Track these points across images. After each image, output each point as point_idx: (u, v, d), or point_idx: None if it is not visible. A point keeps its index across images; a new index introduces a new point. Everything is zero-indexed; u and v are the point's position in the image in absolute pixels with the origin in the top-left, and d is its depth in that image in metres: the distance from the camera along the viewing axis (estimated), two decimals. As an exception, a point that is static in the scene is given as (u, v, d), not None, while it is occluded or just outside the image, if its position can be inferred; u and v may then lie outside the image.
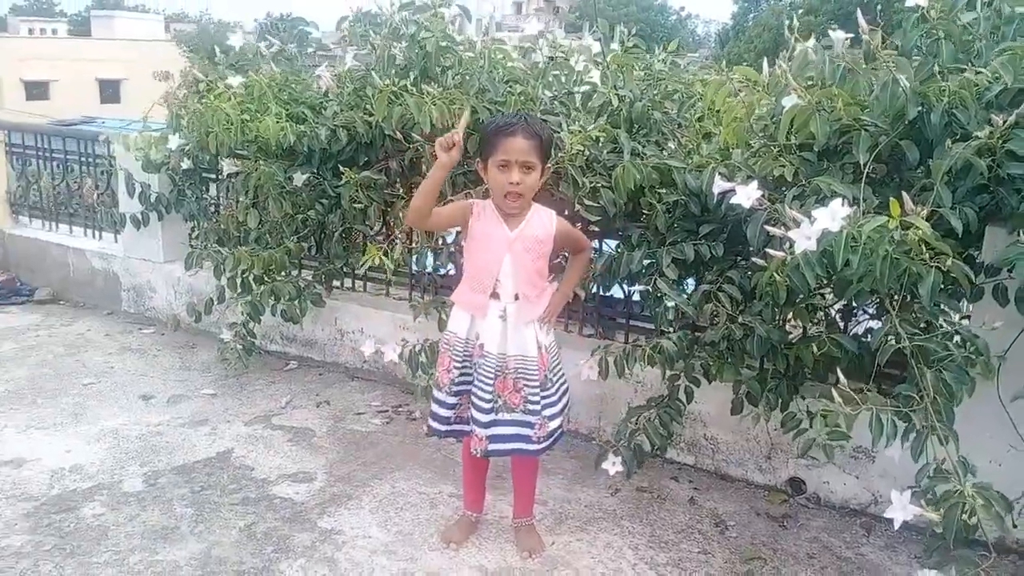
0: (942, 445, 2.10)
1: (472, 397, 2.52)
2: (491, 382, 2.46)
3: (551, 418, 2.52)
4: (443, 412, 2.58)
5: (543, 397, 2.50)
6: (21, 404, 3.67)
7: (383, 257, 3.35)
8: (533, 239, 2.44)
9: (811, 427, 2.58)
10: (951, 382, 2.11)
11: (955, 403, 2.14)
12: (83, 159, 5.33)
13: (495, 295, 2.45)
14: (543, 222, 2.47)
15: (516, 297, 2.45)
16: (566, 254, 2.82)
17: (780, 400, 2.72)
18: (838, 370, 2.21)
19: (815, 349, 2.57)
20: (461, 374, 2.55)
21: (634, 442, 2.88)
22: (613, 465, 2.74)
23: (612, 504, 2.94)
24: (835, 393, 2.14)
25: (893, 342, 2.15)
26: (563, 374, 2.62)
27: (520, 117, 2.41)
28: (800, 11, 34.31)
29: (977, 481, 2.02)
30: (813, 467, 2.91)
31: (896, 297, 2.18)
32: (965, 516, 1.96)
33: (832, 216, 1.99)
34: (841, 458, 2.82)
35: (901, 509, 1.99)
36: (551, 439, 2.55)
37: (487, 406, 2.47)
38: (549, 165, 2.50)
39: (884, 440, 2.09)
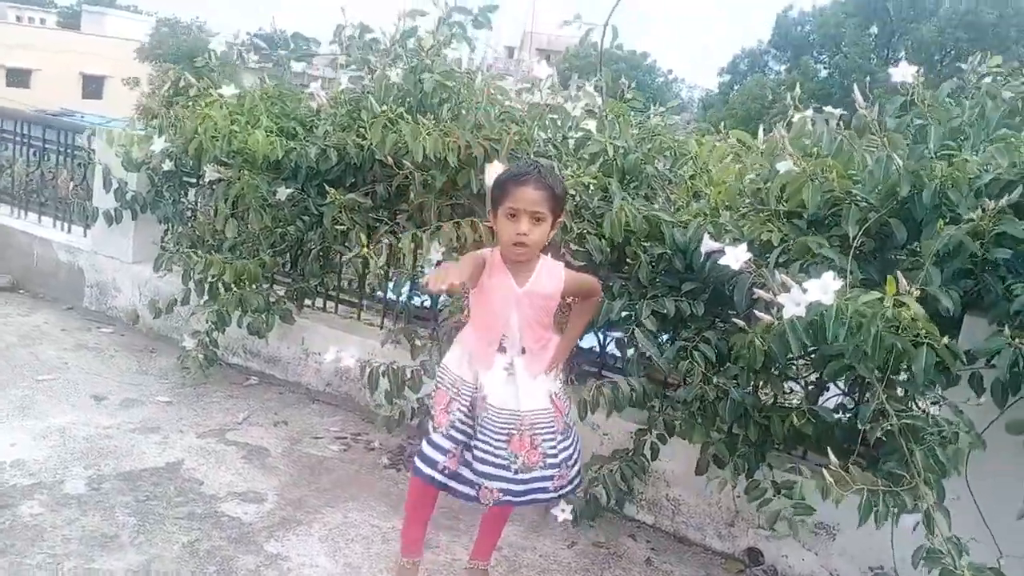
0: (929, 527, 2.10)
1: (477, 452, 2.34)
2: (504, 441, 2.32)
3: (572, 465, 2.42)
4: (436, 456, 2.38)
5: (562, 448, 2.38)
6: (-34, 392, 3.53)
7: (370, 253, 3.21)
8: (541, 295, 2.35)
9: (776, 497, 2.60)
10: (942, 459, 2.10)
11: (945, 477, 2.14)
12: (61, 149, 5.23)
13: (501, 349, 2.37)
14: (552, 277, 2.37)
15: (523, 351, 2.38)
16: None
17: (747, 466, 2.70)
18: (829, 448, 2.19)
19: (795, 420, 2.55)
20: (460, 418, 2.38)
21: (591, 491, 2.83)
22: (563, 512, 2.69)
23: (568, 557, 2.88)
24: (824, 472, 2.11)
25: (880, 421, 2.15)
26: (573, 422, 2.51)
27: (534, 167, 2.34)
28: (783, 87, 35.26)
29: (972, 562, 2.01)
30: (773, 539, 2.88)
31: (879, 375, 2.18)
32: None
33: (824, 289, 2.00)
34: (802, 534, 2.80)
35: None
36: (576, 482, 2.46)
37: (503, 462, 2.32)
38: (561, 219, 2.41)
39: (872, 520, 2.06)
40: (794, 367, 2.89)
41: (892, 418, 2.14)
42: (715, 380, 2.64)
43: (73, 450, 3.14)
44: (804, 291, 2.05)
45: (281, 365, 4.12)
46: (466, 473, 2.37)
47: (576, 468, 2.45)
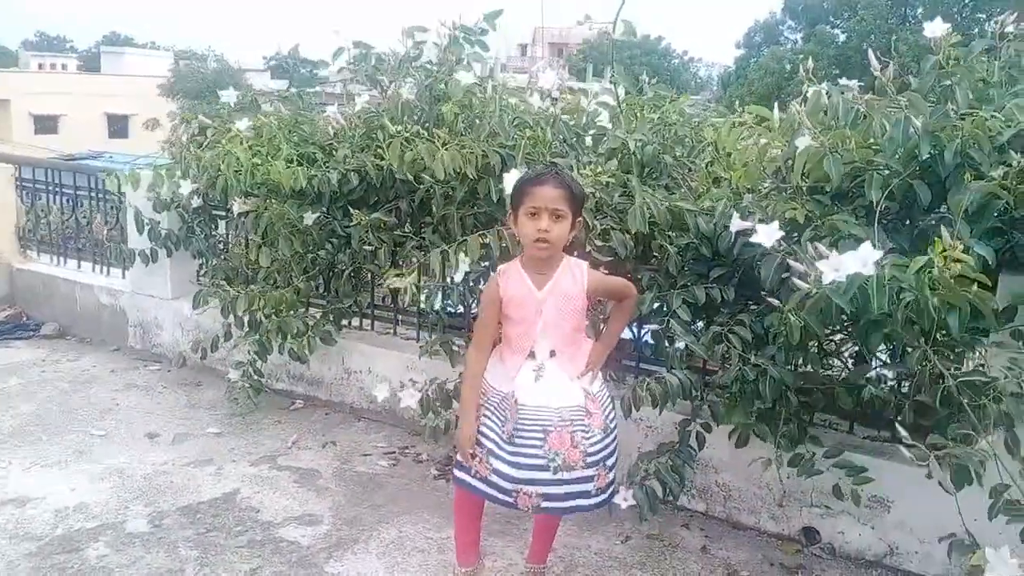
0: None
1: (513, 457, 2.33)
2: (540, 439, 2.31)
3: (611, 468, 2.40)
4: (470, 460, 2.41)
5: (603, 447, 2.36)
6: (26, 441, 3.64)
7: (399, 277, 3.28)
8: (563, 296, 2.36)
9: (828, 470, 2.59)
10: (1010, 411, 2.08)
11: (1014, 427, 2.13)
12: (93, 195, 5.36)
13: (531, 355, 2.39)
14: (574, 277, 2.37)
15: (552, 354, 2.39)
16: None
17: (789, 442, 2.69)
18: (896, 421, 2.19)
19: (837, 393, 2.54)
20: (488, 424, 2.40)
21: (646, 485, 2.84)
22: (625, 500, 2.66)
23: (623, 552, 2.90)
24: (902, 448, 2.11)
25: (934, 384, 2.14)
26: (615, 422, 2.49)
27: (551, 168, 2.39)
28: (801, 56, 34.77)
29: None
30: (827, 516, 2.87)
31: (924, 338, 2.17)
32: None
33: (863, 260, 1.98)
34: (856, 509, 2.78)
35: (1003, 566, 1.92)
36: (613, 487, 2.44)
37: (540, 463, 2.30)
38: (580, 220, 2.42)
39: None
40: (833, 342, 2.88)
41: (948, 379, 2.12)
42: (752, 361, 2.63)
43: (132, 489, 3.23)
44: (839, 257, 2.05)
45: (324, 386, 4.19)
46: (496, 480, 2.34)
47: (614, 472, 2.43)
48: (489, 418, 2.40)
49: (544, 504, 2.31)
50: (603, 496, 2.38)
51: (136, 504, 3.11)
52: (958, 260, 1.96)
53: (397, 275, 3.30)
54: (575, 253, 3.14)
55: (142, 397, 4.23)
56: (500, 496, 2.36)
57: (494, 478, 2.35)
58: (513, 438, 2.33)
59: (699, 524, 3.09)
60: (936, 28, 2.44)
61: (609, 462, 2.39)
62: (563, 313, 2.36)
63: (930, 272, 1.98)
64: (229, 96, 4.29)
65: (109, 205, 5.27)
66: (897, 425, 2.18)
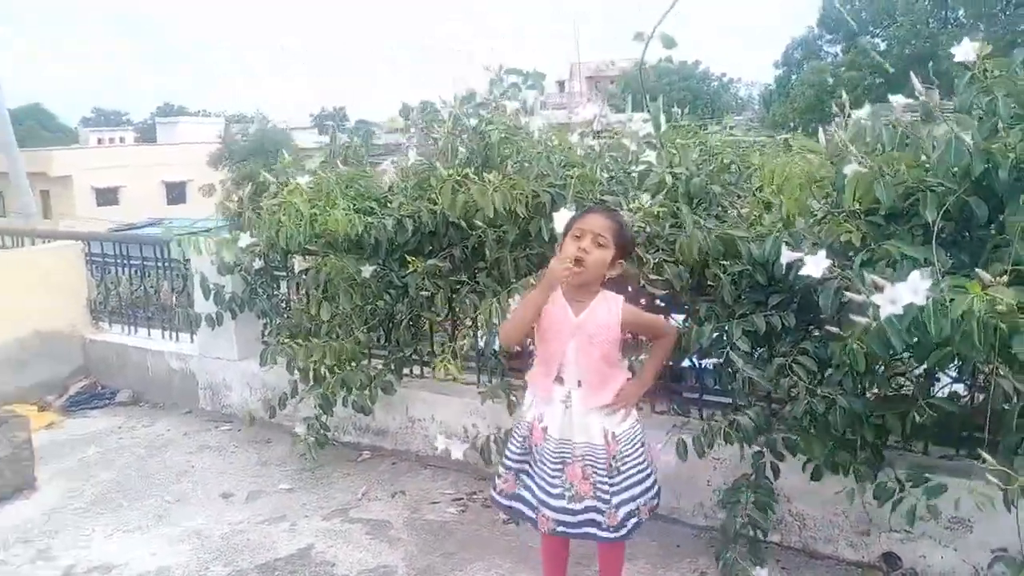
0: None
1: (537, 480, 2.51)
2: (559, 470, 2.46)
3: (619, 506, 2.46)
4: (496, 481, 2.64)
5: (611, 485, 2.45)
6: (107, 508, 3.75)
7: (449, 365, 3.43)
8: (597, 326, 2.46)
9: (906, 494, 2.53)
10: None
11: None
12: (159, 263, 5.56)
13: (559, 379, 2.48)
14: (609, 308, 2.48)
15: (579, 383, 2.46)
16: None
17: (869, 469, 2.64)
18: (981, 450, 2.13)
19: (915, 415, 2.50)
20: (513, 449, 2.59)
21: (745, 536, 2.80)
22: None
23: (700, 587, 2.86)
24: (987, 474, 2.08)
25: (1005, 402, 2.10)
26: (642, 462, 2.55)
27: (603, 205, 2.52)
28: (843, 68, 34.39)
29: None
30: (907, 540, 2.80)
31: (996, 359, 2.13)
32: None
33: (914, 289, 1.97)
34: (935, 530, 2.71)
35: None
36: (627, 528, 2.48)
37: (556, 492, 2.46)
38: (622, 263, 2.53)
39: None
40: (900, 363, 2.83)
41: (1021, 397, 2.08)
42: (819, 391, 2.59)
43: (211, 549, 3.30)
44: (895, 289, 2.03)
45: (390, 436, 4.24)
46: (527, 496, 2.51)
47: (625, 510, 2.47)
48: (516, 443, 2.58)
49: (559, 528, 2.46)
50: (620, 532, 2.46)
51: (215, 564, 3.18)
52: (1001, 298, 1.94)
53: (444, 358, 3.46)
54: (630, 289, 3.18)
55: (215, 458, 4.33)
56: (527, 512, 2.53)
57: (523, 492, 2.53)
58: (538, 462, 2.49)
59: (775, 556, 3.03)
60: (965, 51, 2.41)
61: (616, 500, 2.46)
62: (595, 342, 2.45)
63: (985, 295, 1.95)
64: (280, 156, 4.44)
65: (175, 272, 5.45)
66: (982, 453, 2.12)
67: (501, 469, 2.62)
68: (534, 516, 2.50)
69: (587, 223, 2.42)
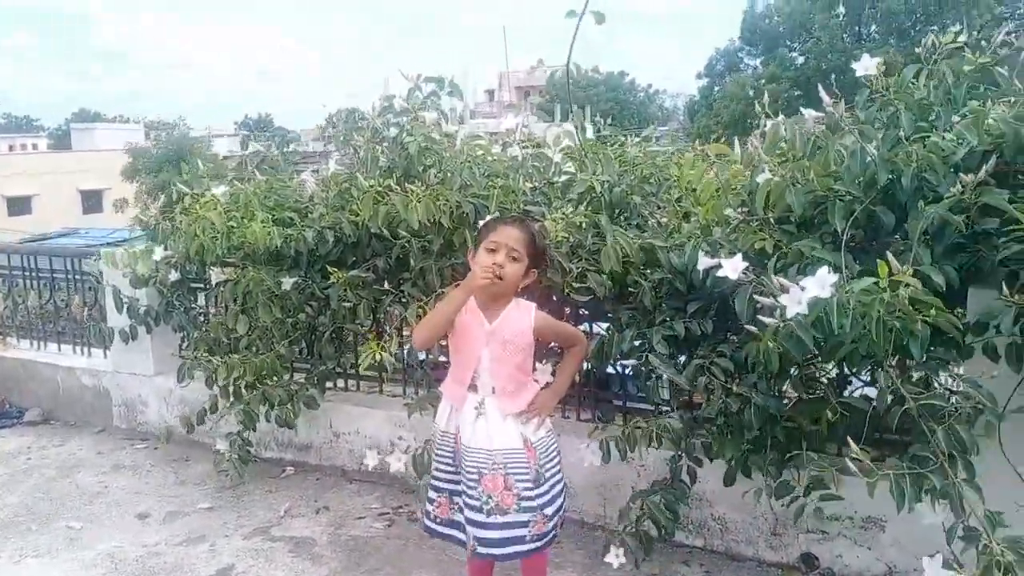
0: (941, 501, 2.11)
1: (463, 498, 2.46)
2: (477, 481, 2.41)
3: (550, 517, 2.45)
4: (427, 505, 2.60)
5: (538, 494, 2.43)
6: (15, 532, 3.58)
7: (382, 352, 3.35)
8: (510, 332, 2.48)
9: (805, 496, 2.60)
10: (963, 435, 2.12)
11: (971, 456, 2.14)
12: (70, 276, 5.34)
13: (473, 387, 2.48)
14: (521, 316, 2.50)
15: (493, 391, 2.47)
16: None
17: (776, 470, 2.71)
18: (848, 437, 2.20)
19: (828, 415, 2.57)
20: (441, 468, 2.54)
21: (640, 529, 2.83)
22: (617, 558, 2.70)
23: (625, 593, 2.88)
24: (848, 461, 2.13)
25: (896, 403, 2.17)
26: (559, 471, 2.55)
27: (519, 215, 2.53)
28: (763, 80, 35.43)
29: (1007, 535, 2.01)
30: (824, 540, 2.87)
31: (891, 359, 2.21)
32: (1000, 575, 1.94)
33: (821, 284, 2.03)
34: (852, 531, 2.79)
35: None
36: (550, 536, 2.47)
37: (475, 503, 2.41)
38: (535, 272, 2.56)
39: (907, 506, 2.08)
40: (812, 365, 2.91)
41: (908, 400, 2.16)
42: (736, 390, 2.65)
43: (126, 573, 3.18)
44: (802, 289, 2.09)
45: (314, 451, 4.16)
46: (458, 517, 2.48)
47: (555, 519, 2.48)
48: (443, 460, 2.53)
49: (480, 549, 2.40)
50: (539, 543, 2.43)
51: (130, 588, 3.06)
52: (907, 284, 2.01)
53: (380, 346, 3.34)
54: (554, 298, 3.20)
55: (130, 478, 4.18)
56: (459, 536, 2.50)
57: (456, 516, 2.49)
58: (462, 479, 2.46)
59: (699, 559, 3.08)
60: (865, 65, 2.52)
61: (548, 511, 2.44)
62: (508, 348, 2.46)
63: (882, 296, 2.02)
64: (194, 165, 4.32)
65: (87, 285, 5.25)
66: (849, 440, 2.19)
67: (432, 493, 2.55)
68: (465, 539, 2.45)
69: (501, 236, 2.43)
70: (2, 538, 3.52)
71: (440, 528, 2.54)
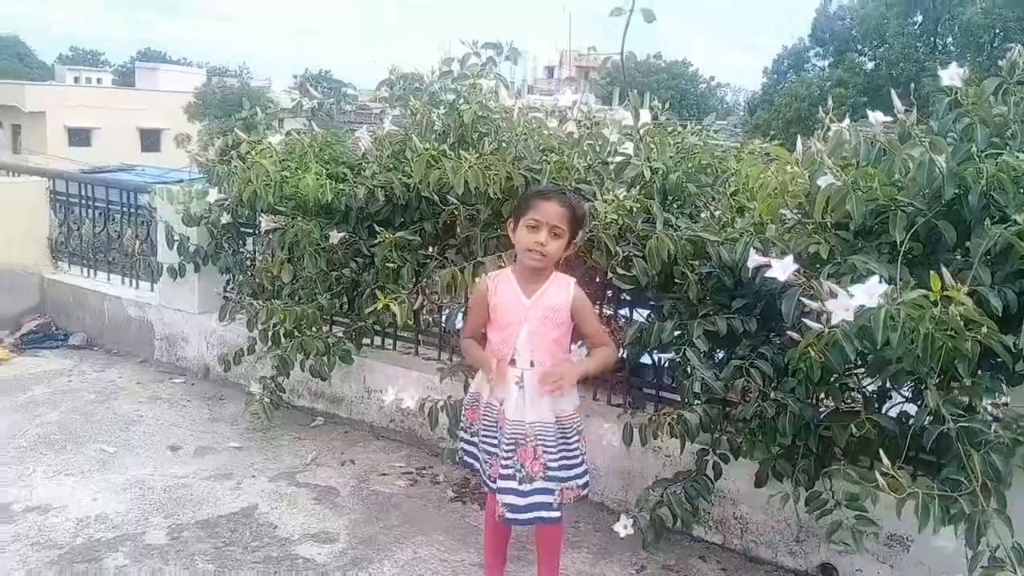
0: (982, 534, 2.07)
1: (499, 463, 2.51)
2: (513, 451, 2.47)
3: (574, 480, 2.55)
4: (467, 447, 2.67)
5: (561, 465, 2.51)
6: (51, 449, 3.70)
7: (393, 304, 3.34)
8: (550, 307, 2.49)
9: (838, 508, 2.57)
10: (999, 465, 2.07)
11: (1004, 487, 2.10)
12: (125, 208, 5.46)
13: (512, 361, 2.49)
14: (560, 290, 2.52)
15: (531, 364, 2.48)
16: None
17: (808, 479, 2.68)
18: (880, 452, 2.17)
19: (853, 429, 2.53)
20: (487, 435, 2.57)
21: (655, 514, 2.83)
22: (624, 528, 2.72)
23: (637, 579, 2.89)
24: (878, 476, 2.10)
25: (935, 424, 2.13)
26: (581, 450, 2.61)
27: (558, 187, 2.54)
28: (829, 83, 34.67)
29: None
30: (845, 553, 2.84)
31: (936, 378, 2.16)
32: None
33: (870, 293, 2.00)
34: (875, 546, 2.76)
35: None
36: (561, 509, 2.54)
37: (508, 473, 2.47)
38: (576, 241, 2.57)
39: (932, 527, 2.05)
40: (855, 376, 2.86)
41: (948, 421, 2.11)
42: (773, 395, 2.63)
43: (153, 501, 3.27)
44: (851, 296, 2.06)
45: (345, 404, 4.22)
46: (489, 470, 2.55)
47: (583, 481, 2.58)
48: (488, 428, 2.57)
49: (508, 515, 2.46)
50: (557, 512, 2.51)
51: (156, 516, 3.15)
52: (961, 302, 1.96)
53: (394, 298, 3.34)
54: (597, 280, 3.19)
55: (166, 410, 4.28)
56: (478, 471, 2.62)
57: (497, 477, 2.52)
58: (500, 444, 2.51)
59: (716, 556, 3.07)
60: (951, 75, 2.45)
61: (571, 481, 2.54)
62: (547, 323, 2.48)
63: (933, 311, 1.98)
64: (282, 96, 4.37)
65: (140, 219, 5.36)
66: (883, 455, 2.16)
67: (483, 456, 2.60)
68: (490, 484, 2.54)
69: (542, 214, 2.42)
70: (38, 453, 3.64)
71: (468, 459, 2.67)
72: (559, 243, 2.44)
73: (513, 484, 2.45)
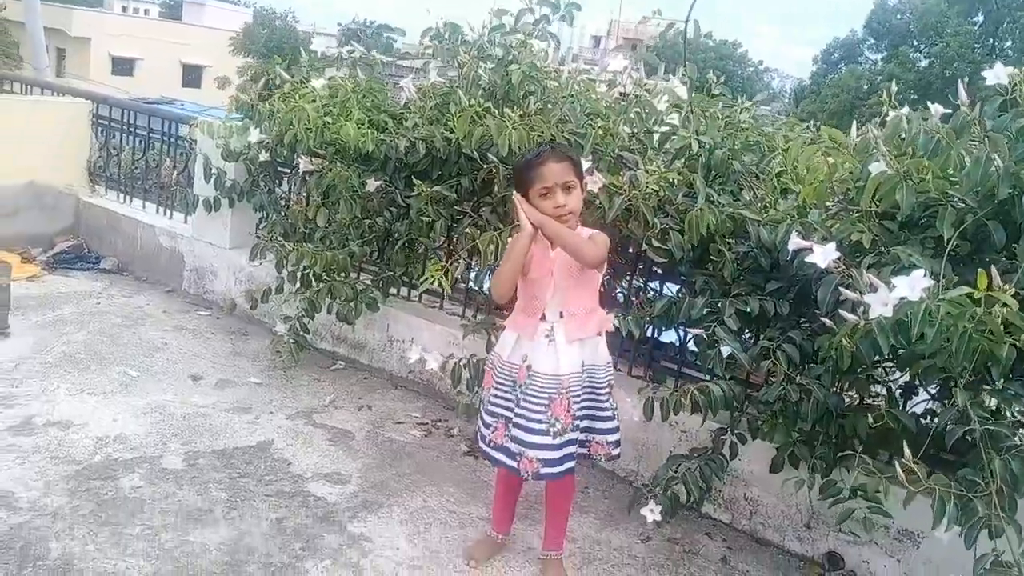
0: (994, 537, 2.05)
1: (518, 420, 2.48)
2: (547, 406, 2.44)
3: (604, 436, 2.59)
4: (483, 429, 2.61)
5: (587, 414, 2.55)
6: (76, 367, 3.76)
7: (443, 279, 3.34)
8: None
9: (851, 498, 2.55)
10: (1017, 472, 2.05)
11: (1020, 494, 2.08)
12: (165, 139, 5.48)
13: (542, 316, 2.49)
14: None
15: (561, 315, 2.48)
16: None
17: (825, 467, 2.66)
18: (904, 444, 2.15)
19: (871, 420, 2.51)
20: (500, 395, 2.56)
21: (671, 490, 2.83)
22: (651, 512, 2.70)
23: (642, 552, 2.90)
24: (897, 468, 2.08)
25: (960, 424, 2.10)
26: (613, 405, 2.63)
27: (543, 146, 2.58)
28: (880, 77, 33.96)
29: None
30: (854, 544, 2.83)
31: (966, 378, 2.13)
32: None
33: (912, 286, 1.96)
34: (884, 540, 2.74)
35: None
36: (611, 453, 2.62)
37: (542, 427, 2.44)
38: (585, 181, 2.58)
39: (945, 523, 2.03)
40: (881, 369, 2.83)
41: (975, 423, 2.08)
42: (798, 380, 2.60)
43: (171, 426, 3.32)
44: (892, 288, 2.02)
45: (367, 351, 4.24)
46: (510, 445, 2.49)
47: (613, 438, 2.61)
48: (501, 388, 2.55)
49: (543, 470, 2.45)
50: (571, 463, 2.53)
51: (173, 441, 3.20)
52: (1005, 304, 1.92)
53: (438, 269, 3.33)
54: (631, 250, 3.17)
55: (190, 340, 4.33)
56: (509, 462, 2.51)
57: (508, 444, 2.50)
58: (520, 402, 2.48)
59: (722, 534, 3.08)
60: (997, 74, 2.37)
61: (608, 438, 2.59)
62: (572, 271, 2.47)
63: (974, 311, 1.94)
64: (319, 43, 4.35)
65: (179, 151, 5.39)
66: (905, 449, 2.14)
67: (488, 418, 2.57)
68: (516, 465, 2.48)
69: (550, 178, 2.37)
70: (63, 370, 3.70)
71: (493, 452, 2.55)
72: (576, 195, 2.43)
73: (548, 440, 2.43)
